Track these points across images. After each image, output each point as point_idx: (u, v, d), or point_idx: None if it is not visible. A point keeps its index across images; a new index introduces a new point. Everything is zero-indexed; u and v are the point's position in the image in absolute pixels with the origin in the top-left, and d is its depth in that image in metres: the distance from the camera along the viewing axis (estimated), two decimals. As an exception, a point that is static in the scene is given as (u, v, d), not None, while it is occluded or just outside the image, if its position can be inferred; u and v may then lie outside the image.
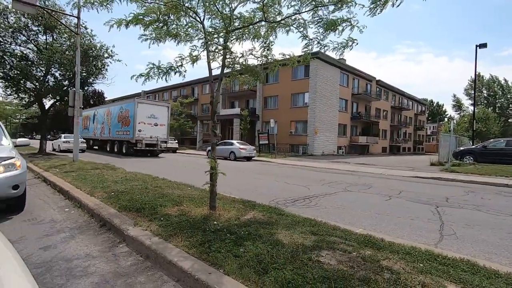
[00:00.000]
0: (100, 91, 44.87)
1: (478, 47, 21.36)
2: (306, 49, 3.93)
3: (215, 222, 3.73)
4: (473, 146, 17.61)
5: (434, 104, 78.59)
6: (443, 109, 79.78)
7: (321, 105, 28.55)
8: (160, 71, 4.68)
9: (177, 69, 4.81)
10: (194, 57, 4.67)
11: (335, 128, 31.14)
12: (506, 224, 5.00)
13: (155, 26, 4.15)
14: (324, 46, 3.78)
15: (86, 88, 17.83)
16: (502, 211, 6.00)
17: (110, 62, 17.21)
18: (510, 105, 58.59)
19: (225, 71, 4.58)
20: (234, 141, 21.17)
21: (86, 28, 15.21)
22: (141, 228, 3.55)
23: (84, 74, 15.76)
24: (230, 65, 4.53)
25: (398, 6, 2.85)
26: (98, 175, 7.77)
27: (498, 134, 48.57)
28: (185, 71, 4.81)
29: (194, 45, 4.56)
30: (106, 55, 15.99)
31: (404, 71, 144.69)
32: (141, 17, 4.19)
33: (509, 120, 57.59)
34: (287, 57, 4.43)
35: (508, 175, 11.75)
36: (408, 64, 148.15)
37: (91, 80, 16.82)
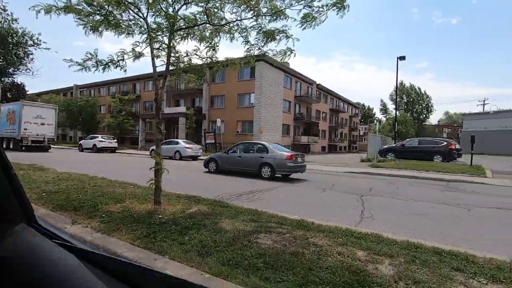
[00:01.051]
0: (20, 83, 39.19)
1: (398, 59, 24.67)
2: (247, 53, 4.27)
3: (160, 216, 3.82)
4: (394, 145, 20.33)
5: (366, 108, 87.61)
6: (373, 112, 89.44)
7: (266, 105, 29.64)
8: (99, 63, 4.56)
9: (118, 63, 4.74)
10: (137, 53, 4.66)
11: (279, 128, 32.63)
12: (411, 208, 6.09)
13: (91, 19, 4.04)
14: (264, 54, 4.17)
15: (3, 79, 15.57)
16: (410, 197, 7.24)
17: (35, 49, 15.32)
18: (423, 110, 68.63)
19: (170, 69, 4.66)
20: (179, 140, 20.68)
21: (5, 10, 13.34)
22: (81, 226, 3.46)
23: (2, 63, 13.79)
24: (175, 63, 4.63)
25: (323, 22, 3.37)
26: (23, 176, 7.00)
27: (414, 134, 56.58)
28: (125, 68, 4.75)
29: (137, 41, 4.55)
30: (30, 42, 14.24)
31: (340, 77, 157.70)
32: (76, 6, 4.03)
33: (423, 124, 67.44)
34: (230, 58, 4.72)
35: (418, 168, 13.94)
36: (343, 71, 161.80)
37: (10, 70, 14.77)
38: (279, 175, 9.90)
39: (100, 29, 4.32)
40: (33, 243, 0.65)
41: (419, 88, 68.45)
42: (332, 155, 35.04)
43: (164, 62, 4.48)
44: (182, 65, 4.66)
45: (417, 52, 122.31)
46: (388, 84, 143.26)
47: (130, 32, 4.57)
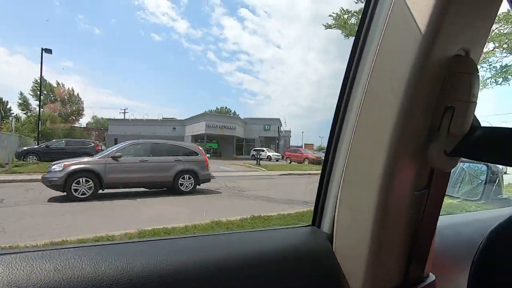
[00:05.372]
0: None
1: (44, 51, 22.03)
2: None
3: None
4: (37, 146, 17.88)
5: (-3, 100, 68.22)
6: (8, 106, 71.80)
7: None
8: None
9: None
10: None
11: None
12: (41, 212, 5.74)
13: None
14: None
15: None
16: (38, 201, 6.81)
17: None
18: (75, 112, 67.27)
19: None
20: None
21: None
22: None
23: None
24: None
25: None
26: None
27: (63, 136, 53.65)
28: None
29: None
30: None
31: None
32: None
33: (72, 126, 65.86)
34: None
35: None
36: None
37: None
38: None
39: None
40: None
41: (72, 89, 65.87)
42: None
43: None
44: None
45: (62, 49, 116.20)
46: (26, 75, 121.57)
47: None
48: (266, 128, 38.68)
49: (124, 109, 51.12)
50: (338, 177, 0.68)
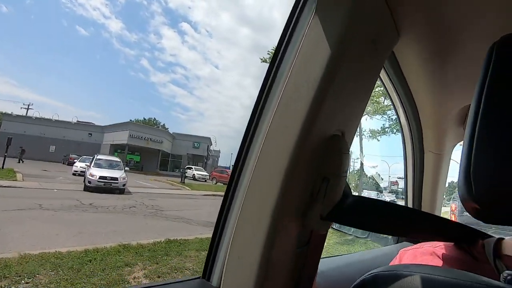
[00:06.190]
0: None
1: None
2: None
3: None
4: None
5: None
6: None
7: None
8: None
9: None
10: None
11: None
12: None
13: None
14: None
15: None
16: None
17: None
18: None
19: None
20: None
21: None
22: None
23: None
24: None
25: None
26: None
27: None
28: None
29: None
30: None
31: None
32: None
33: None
34: None
35: None
36: None
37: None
38: None
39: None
40: None
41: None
42: None
43: None
44: None
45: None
46: None
47: None
48: (196, 145, 37.84)
49: (28, 105, 43.32)
50: (231, 229, 0.70)
